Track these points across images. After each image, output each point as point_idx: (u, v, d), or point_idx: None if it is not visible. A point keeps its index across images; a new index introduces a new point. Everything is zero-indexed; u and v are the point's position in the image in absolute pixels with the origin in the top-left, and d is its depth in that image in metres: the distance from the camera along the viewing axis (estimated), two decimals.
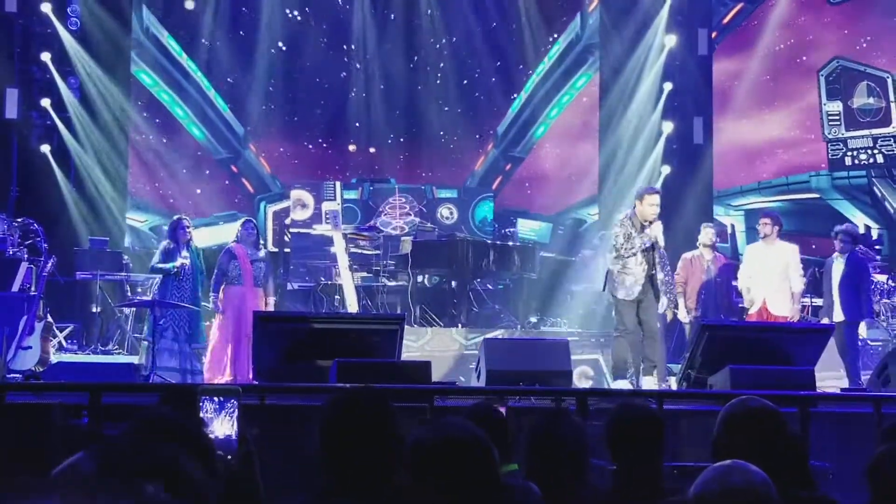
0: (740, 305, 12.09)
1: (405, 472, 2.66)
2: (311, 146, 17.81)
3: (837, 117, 16.39)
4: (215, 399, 3.04)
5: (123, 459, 1.46)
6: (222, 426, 3.05)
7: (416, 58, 17.78)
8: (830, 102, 16.46)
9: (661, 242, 10.19)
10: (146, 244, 15.93)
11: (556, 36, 17.95)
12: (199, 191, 17.05)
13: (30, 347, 10.71)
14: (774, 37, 16.58)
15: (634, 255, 10.12)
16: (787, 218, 11.94)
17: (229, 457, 3.07)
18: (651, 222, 10.17)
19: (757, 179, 16.76)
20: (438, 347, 12.76)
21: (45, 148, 14.96)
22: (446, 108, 17.80)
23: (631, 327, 10.09)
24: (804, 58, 16.69)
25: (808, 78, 16.62)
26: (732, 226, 16.23)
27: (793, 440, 3.61)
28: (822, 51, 16.62)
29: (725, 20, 17.14)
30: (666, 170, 16.17)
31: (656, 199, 10.33)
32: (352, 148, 17.83)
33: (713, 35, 16.83)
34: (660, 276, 10.18)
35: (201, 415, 3.03)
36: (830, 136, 16.42)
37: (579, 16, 17.95)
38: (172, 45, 17.12)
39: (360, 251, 15.07)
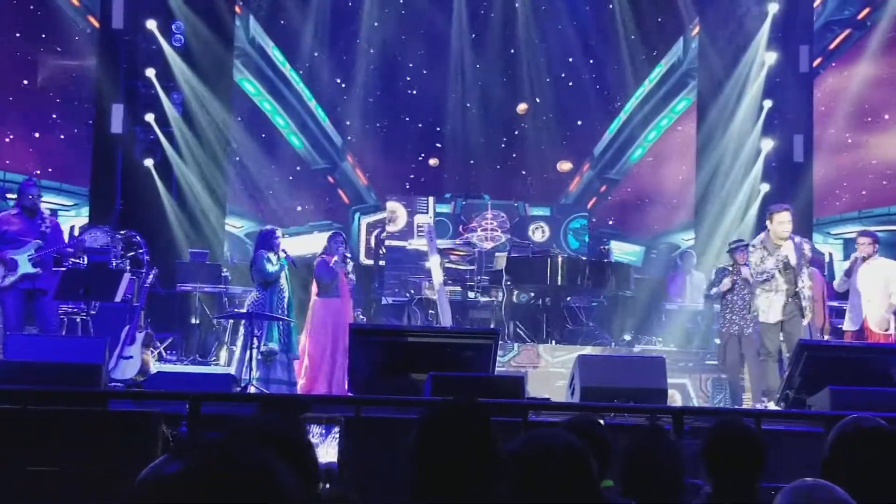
0: (838, 326, 11.84)
1: (502, 484, 2.63)
2: (406, 159, 17.96)
3: None
4: (322, 425, 3.08)
5: (209, 460, 1.44)
6: (326, 453, 3.08)
7: (513, 75, 17.82)
8: None
9: (793, 260, 10.01)
10: (241, 250, 16.17)
11: (656, 58, 17.84)
12: (296, 200, 17.32)
13: (131, 357, 10.87)
14: (881, 64, 16.22)
15: (768, 280, 9.98)
16: (886, 248, 11.59)
17: (328, 485, 3.08)
18: (784, 240, 10.04)
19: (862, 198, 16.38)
20: (525, 363, 12.73)
21: (149, 162, 15.25)
22: (542, 127, 17.79)
23: (773, 350, 9.95)
24: None
25: None
26: (830, 254, 15.63)
27: None
28: None
29: (832, 46, 16.79)
30: (765, 188, 15.86)
31: (786, 215, 10.19)
32: (433, 161, 17.93)
33: (818, 61, 16.49)
34: (806, 293, 9.99)
35: (306, 428, 3.06)
36: None
37: (682, 40, 17.81)
38: (277, 56, 17.44)
39: (454, 266, 15.10)
